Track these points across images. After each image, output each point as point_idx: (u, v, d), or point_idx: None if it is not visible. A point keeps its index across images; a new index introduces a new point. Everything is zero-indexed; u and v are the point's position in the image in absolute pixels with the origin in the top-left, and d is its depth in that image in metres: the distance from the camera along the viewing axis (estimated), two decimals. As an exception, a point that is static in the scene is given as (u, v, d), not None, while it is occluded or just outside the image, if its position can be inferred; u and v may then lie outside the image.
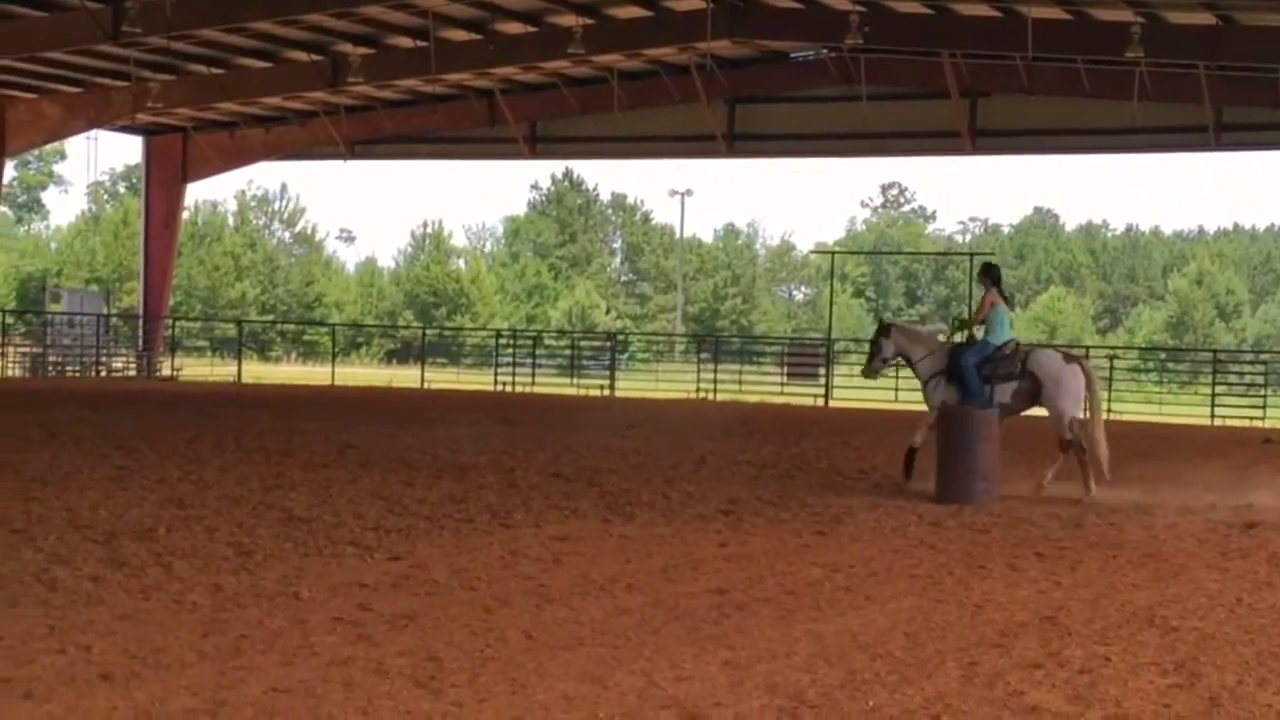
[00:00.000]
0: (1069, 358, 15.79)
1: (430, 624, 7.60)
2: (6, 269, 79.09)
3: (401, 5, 30.96)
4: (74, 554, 9.27)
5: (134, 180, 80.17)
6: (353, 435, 20.04)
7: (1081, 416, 15.26)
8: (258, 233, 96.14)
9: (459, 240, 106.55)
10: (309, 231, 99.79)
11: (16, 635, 6.99)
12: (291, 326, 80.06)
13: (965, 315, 17.14)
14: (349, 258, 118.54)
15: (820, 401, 36.96)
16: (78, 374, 41.98)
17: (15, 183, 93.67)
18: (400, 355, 75.75)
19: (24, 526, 10.29)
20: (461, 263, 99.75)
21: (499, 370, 43.57)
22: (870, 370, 16.41)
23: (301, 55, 36.23)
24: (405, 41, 34.68)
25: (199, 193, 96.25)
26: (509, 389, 40.87)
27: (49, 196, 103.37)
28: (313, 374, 51.55)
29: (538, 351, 48.62)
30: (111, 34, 31.24)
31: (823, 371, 40.05)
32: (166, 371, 43.89)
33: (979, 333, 15.64)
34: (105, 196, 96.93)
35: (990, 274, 15.91)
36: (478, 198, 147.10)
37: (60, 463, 14.67)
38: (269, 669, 6.52)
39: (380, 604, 8.06)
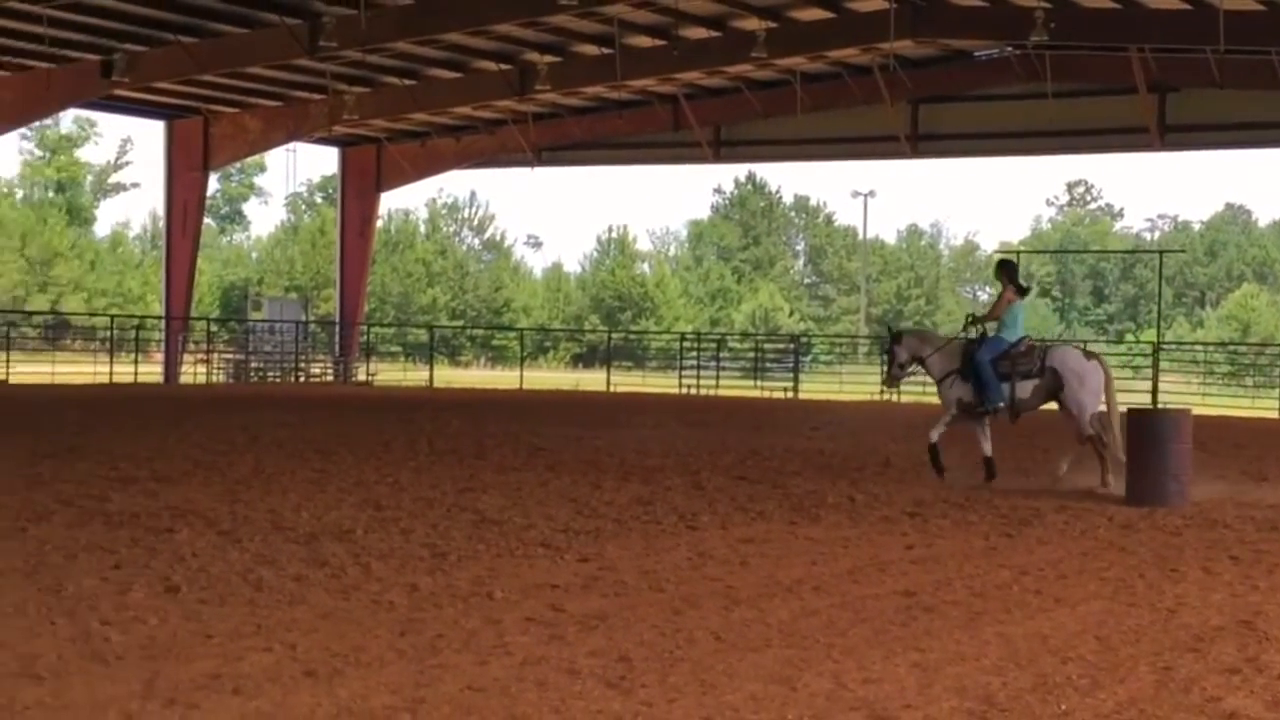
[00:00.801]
0: (1089, 354, 15.96)
1: (620, 625, 7.70)
2: (211, 279, 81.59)
3: (588, 13, 31.30)
4: (277, 554, 9.56)
5: (330, 190, 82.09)
6: (541, 438, 20.34)
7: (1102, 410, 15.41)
8: (448, 240, 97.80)
9: (643, 244, 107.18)
10: (498, 238, 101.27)
11: (225, 633, 7.22)
12: (481, 331, 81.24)
13: (977, 313, 17.11)
14: (536, 263, 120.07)
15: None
16: (278, 379, 43.19)
17: (218, 195, 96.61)
18: (586, 359, 76.45)
19: (230, 528, 10.65)
20: (646, 267, 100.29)
21: (683, 373, 43.77)
22: (890, 379, 16.80)
23: (490, 65, 36.84)
24: (591, 49, 35.04)
25: (392, 201, 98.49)
26: (693, 391, 41.03)
27: (250, 208, 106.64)
28: (501, 378, 52.31)
29: (721, 354, 48.75)
30: (309, 49, 32.14)
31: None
32: (362, 376, 44.91)
33: (993, 329, 15.81)
34: (303, 207, 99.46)
35: (1007, 270, 16.21)
36: (662, 202, 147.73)
37: (263, 466, 15.14)
38: (465, 668, 6.66)
39: (571, 605, 8.20)
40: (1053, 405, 15.61)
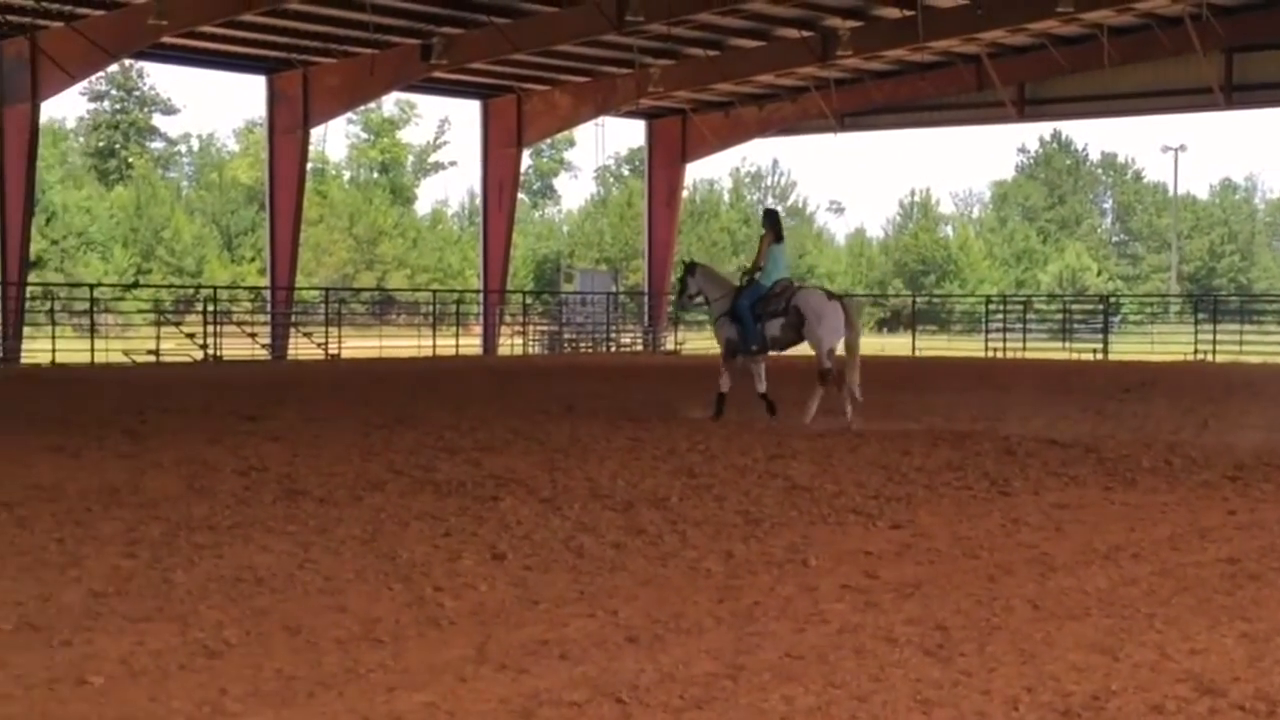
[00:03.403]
0: (831, 296, 17.48)
1: (935, 592, 7.70)
2: (525, 252, 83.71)
3: (889, -24, 31.07)
4: (597, 522, 9.82)
5: (637, 163, 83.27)
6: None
7: (840, 351, 16.90)
8: (751, 208, 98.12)
9: (946, 207, 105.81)
10: (800, 204, 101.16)
11: (551, 599, 7.44)
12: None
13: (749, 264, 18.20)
14: (839, 229, 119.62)
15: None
16: (590, 349, 44.12)
17: (530, 171, 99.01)
18: (890, 323, 75.82)
19: (550, 496, 10.97)
20: (949, 229, 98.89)
21: (989, 336, 43.09)
22: (679, 306, 18.93)
23: (792, 32, 36.82)
24: (893, 12, 34.71)
25: (696, 172, 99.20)
26: (999, 354, 40.33)
27: (560, 182, 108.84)
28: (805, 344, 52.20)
29: (1028, 316, 47.81)
30: (617, 24, 32.70)
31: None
32: (670, 345, 45.50)
33: (760, 276, 17.28)
34: (611, 180, 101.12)
35: (769, 218, 17.87)
36: (965, 164, 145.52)
37: (579, 435, 15.53)
38: (783, 635, 6.74)
39: (885, 572, 8.22)
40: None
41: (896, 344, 49.70)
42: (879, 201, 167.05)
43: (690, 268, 18.19)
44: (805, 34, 36.79)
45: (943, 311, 65.96)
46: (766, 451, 13.98)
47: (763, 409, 17.32)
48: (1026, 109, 42.22)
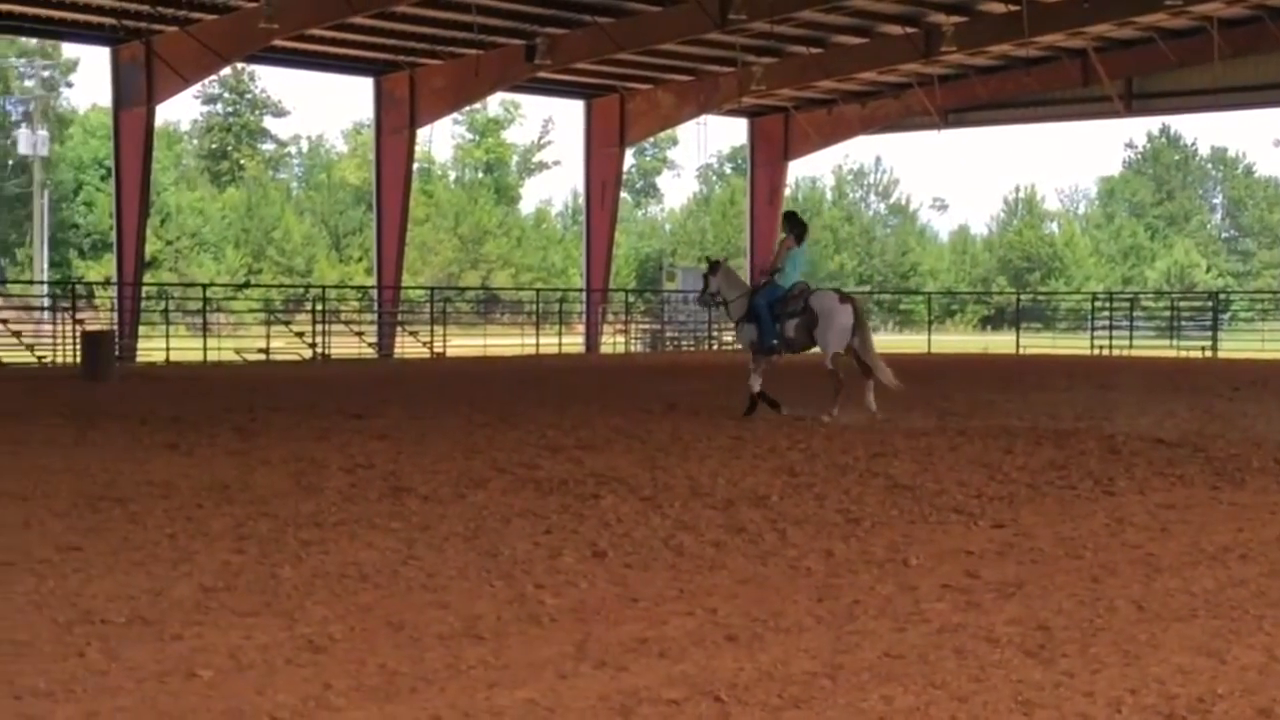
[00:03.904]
0: (844, 297, 17.91)
1: (1037, 592, 7.64)
2: (627, 251, 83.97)
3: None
4: (697, 520, 9.85)
5: (739, 161, 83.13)
6: (951, 402, 20.21)
7: (851, 349, 17.58)
8: (854, 205, 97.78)
9: (1051, 204, 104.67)
10: (903, 202, 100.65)
11: (650, 597, 7.48)
12: (888, 296, 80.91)
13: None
14: (942, 226, 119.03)
15: None
16: (692, 348, 44.15)
17: (633, 169, 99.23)
18: (994, 321, 75.23)
19: (651, 494, 11.02)
20: (1055, 226, 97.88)
21: (1095, 333, 42.61)
22: (700, 303, 19.17)
23: (896, 28, 36.64)
24: (998, 7, 34.43)
25: (799, 169, 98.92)
26: (1106, 352, 39.85)
27: (663, 180, 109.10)
28: (909, 342, 51.96)
29: (1135, 313, 47.21)
30: (719, 22, 32.74)
31: None
32: (771, 344, 45.34)
33: (779, 278, 17.66)
34: (713, 178, 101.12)
35: (790, 220, 17.98)
36: (1070, 159, 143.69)
37: (680, 433, 15.58)
38: (882, 634, 6.72)
39: (987, 571, 8.18)
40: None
41: (1000, 342, 49.28)
42: (983, 198, 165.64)
43: (713, 266, 18.58)
44: (909, 30, 36.58)
45: (1048, 309, 65.29)
46: (868, 450, 13.94)
47: (749, 405, 17.87)
48: (1134, 103, 41.69)
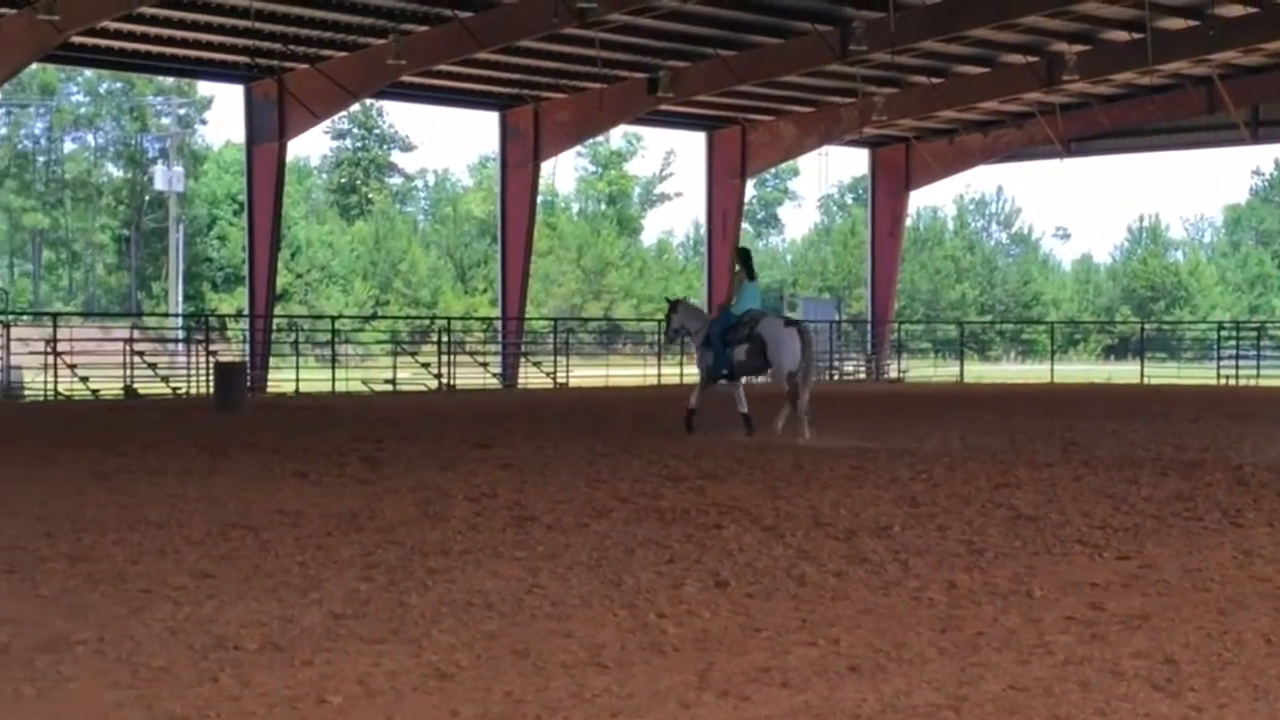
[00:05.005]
0: (789, 323, 19.42)
1: (1163, 625, 7.55)
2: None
3: (1116, -1, 30.54)
4: (819, 550, 9.85)
5: (860, 191, 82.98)
6: (1075, 432, 20.01)
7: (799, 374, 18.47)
8: (975, 235, 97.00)
9: (1176, 232, 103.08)
10: (1025, 231, 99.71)
11: (773, 627, 7.48)
12: (1010, 326, 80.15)
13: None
14: (1065, 255, 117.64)
15: None
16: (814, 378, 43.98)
17: (754, 200, 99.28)
18: (1118, 351, 74.24)
19: (773, 524, 11.03)
20: (1179, 254, 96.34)
21: (1221, 363, 41.87)
22: (667, 339, 21.35)
23: (1017, 58, 36.42)
24: (1121, 35, 34.10)
25: (920, 199, 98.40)
26: (1232, 382, 39.14)
27: (784, 211, 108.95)
28: (1031, 372, 51.51)
29: (1262, 343, 46.35)
30: (840, 54, 32.77)
31: None
32: (893, 373, 45.19)
33: (732, 308, 19.02)
34: (834, 208, 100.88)
35: (742, 256, 19.67)
36: (1195, 187, 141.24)
37: (802, 463, 15.57)
38: (1006, 666, 6.68)
39: (1112, 604, 8.09)
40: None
41: (1124, 371, 48.59)
42: (1106, 227, 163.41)
43: (673, 305, 20.31)
44: (1030, 59, 36.32)
45: (1172, 338, 64.30)
46: (991, 481, 13.85)
47: (742, 428, 18.92)
48: (1260, 131, 41.00)
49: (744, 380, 19.83)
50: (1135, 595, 8.39)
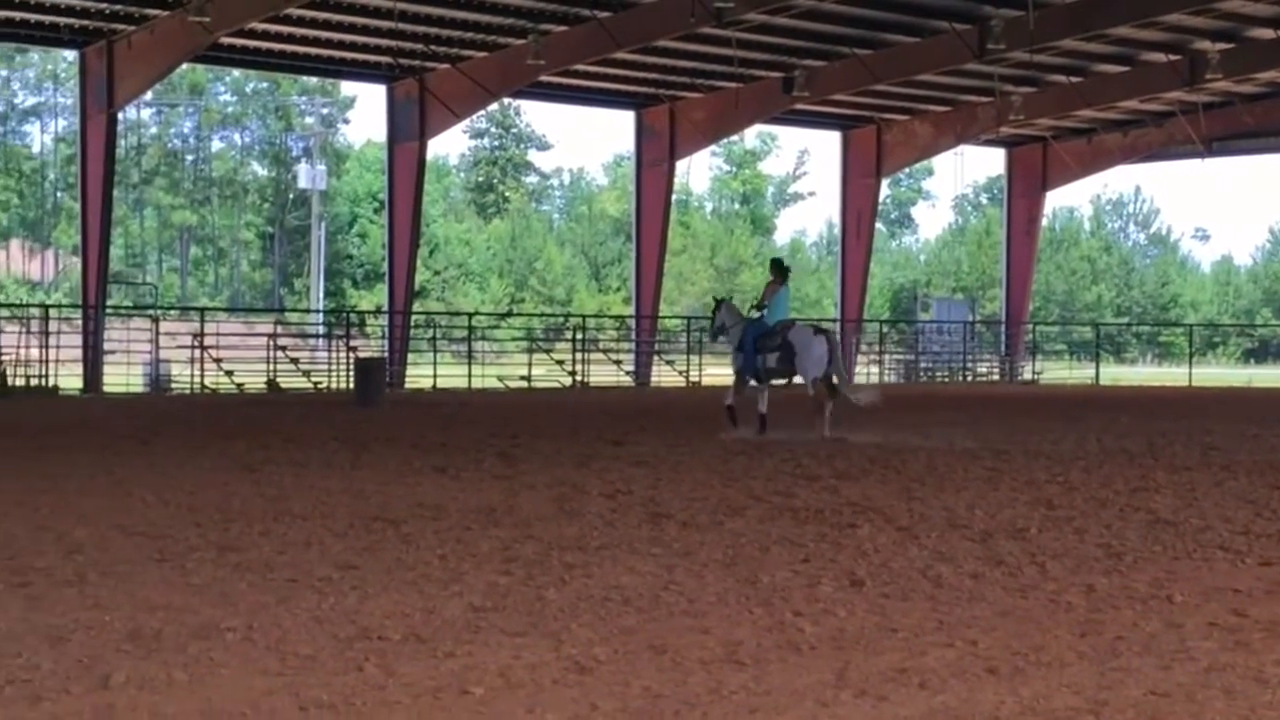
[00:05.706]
0: (818, 330, 19.79)
1: (1309, 634, 7.46)
2: (881, 281, 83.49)
3: (1262, -5, 29.97)
4: (954, 551, 9.81)
5: (995, 191, 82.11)
6: (1214, 437, 19.69)
7: (826, 378, 19.06)
8: (1113, 235, 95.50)
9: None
10: (1163, 232, 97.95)
11: (909, 628, 7.48)
12: (1147, 328, 78.84)
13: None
14: (1204, 257, 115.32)
15: None
16: (946, 379, 43.69)
17: (888, 200, 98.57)
18: (1258, 354, 72.72)
19: (908, 524, 11.01)
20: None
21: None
22: (712, 337, 21.75)
23: (1158, 56, 35.85)
24: (1266, 33, 33.45)
25: (1056, 199, 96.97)
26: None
27: (918, 211, 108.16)
28: (1169, 375, 50.67)
29: None
30: (978, 53, 32.50)
31: None
32: (1027, 375, 44.69)
33: (766, 315, 19.59)
34: (969, 208, 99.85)
35: (775, 266, 20.12)
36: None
37: (936, 464, 15.50)
38: (1147, 672, 6.63)
39: (1255, 610, 7.98)
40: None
41: (1265, 375, 47.63)
42: (1247, 228, 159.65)
43: (719, 304, 20.89)
44: (1172, 58, 35.71)
45: (1316, 342, 62.83)
46: (1128, 484, 13.70)
47: (756, 425, 19.24)
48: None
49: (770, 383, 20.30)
50: (1279, 602, 8.27)
